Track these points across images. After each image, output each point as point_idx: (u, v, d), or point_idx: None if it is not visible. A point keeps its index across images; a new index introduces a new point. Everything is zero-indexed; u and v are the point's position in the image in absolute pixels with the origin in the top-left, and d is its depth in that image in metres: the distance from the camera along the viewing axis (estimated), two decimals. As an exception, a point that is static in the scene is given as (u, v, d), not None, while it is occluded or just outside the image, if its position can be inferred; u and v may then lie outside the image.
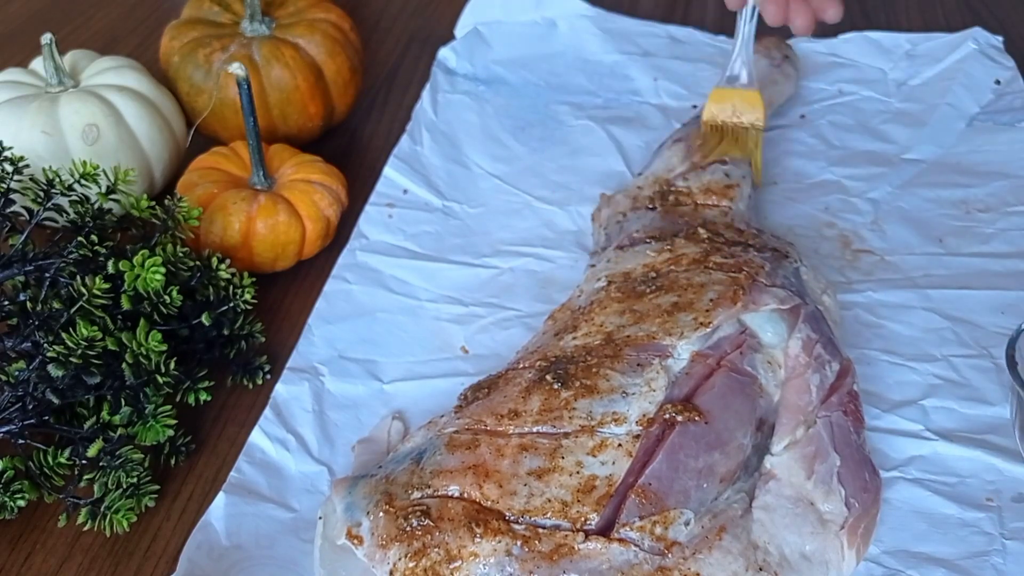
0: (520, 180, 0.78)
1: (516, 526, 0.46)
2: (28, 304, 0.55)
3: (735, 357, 0.53)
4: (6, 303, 0.56)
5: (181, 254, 0.60)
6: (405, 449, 0.52)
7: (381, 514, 0.47)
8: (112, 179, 0.62)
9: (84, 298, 0.54)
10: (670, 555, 0.45)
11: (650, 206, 0.68)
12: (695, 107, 0.84)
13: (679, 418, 0.49)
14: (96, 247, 0.58)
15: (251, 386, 0.63)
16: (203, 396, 0.59)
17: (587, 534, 0.45)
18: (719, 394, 0.51)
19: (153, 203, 0.62)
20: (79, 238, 0.58)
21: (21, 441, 0.53)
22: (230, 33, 0.76)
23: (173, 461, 0.58)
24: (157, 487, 0.55)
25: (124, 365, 0.54)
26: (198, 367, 0.60)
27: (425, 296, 0.68)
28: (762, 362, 0.53)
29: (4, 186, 0.60)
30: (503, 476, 0.47)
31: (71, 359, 0.53)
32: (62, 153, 0.67)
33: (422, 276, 0.69)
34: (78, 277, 0.55)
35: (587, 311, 0.58)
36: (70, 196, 0.60)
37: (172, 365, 0.56)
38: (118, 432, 0.54)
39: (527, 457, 0.48)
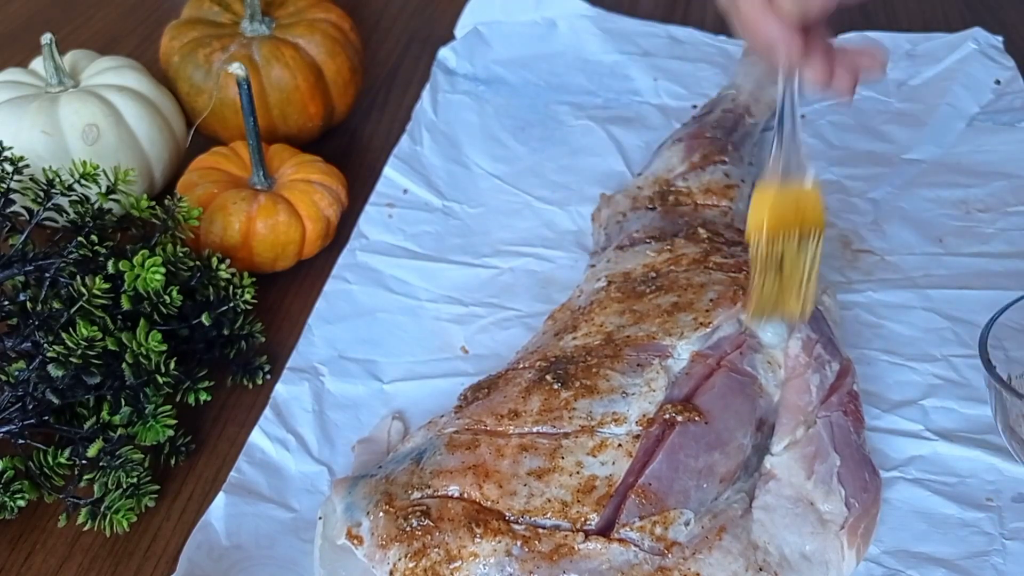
0: (520, 180, 0.78)
1: (516, 526, 0.46)
2: (28, 304, 0.55)
3: (735, 357, 0.53)
4: (6, 303, 0.56)
5: (181, 254, 0.60)
6: (405, 449, 0.52)
7: (381, 514, 0.47)
8: (112, 179, 0.62)
9: (84, 298, 0.54)
10: (670, 555, 0.45)
11: (650, 206, 0.68)
12: (695, 107, 0.84)
13: (679, 418, 0.49)
14: (96, 247, 0.58)
15: (251, 386, 0.63)
16: (203, 396, 0.59)
17: (587, 534, 0.45)
18: (719, 394, 0.51)
19: (153, 203, 0.62)
20: (79, 238, 0.58)
21: (21, 441, 0.53)
22: (230, 33, 0.76)
23: (173, 461, 0.58)
24: (157, 487, 0.55)
25: (124, 365, 0.54)
26: (198, 367, 0.60)
27: (425, 296, 0.68)
28: (762, 362, 0.53)
29: (4, 186, 0.60)
30: (503, 476, 0.47)
31: (71, 359, 0.53)
32: (62, 153, 0.67)
33: (422, 276, 0.69)
34: (78, 277, 0.55)
35: (587, 311, 0.58)
36: (70, 196, 0.60)
37: (172, 365, 0.56)
38: (118, 432, 0.54)
39: (527, 457, 0.48)
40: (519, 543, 0.45)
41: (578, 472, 0.47)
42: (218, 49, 0.75)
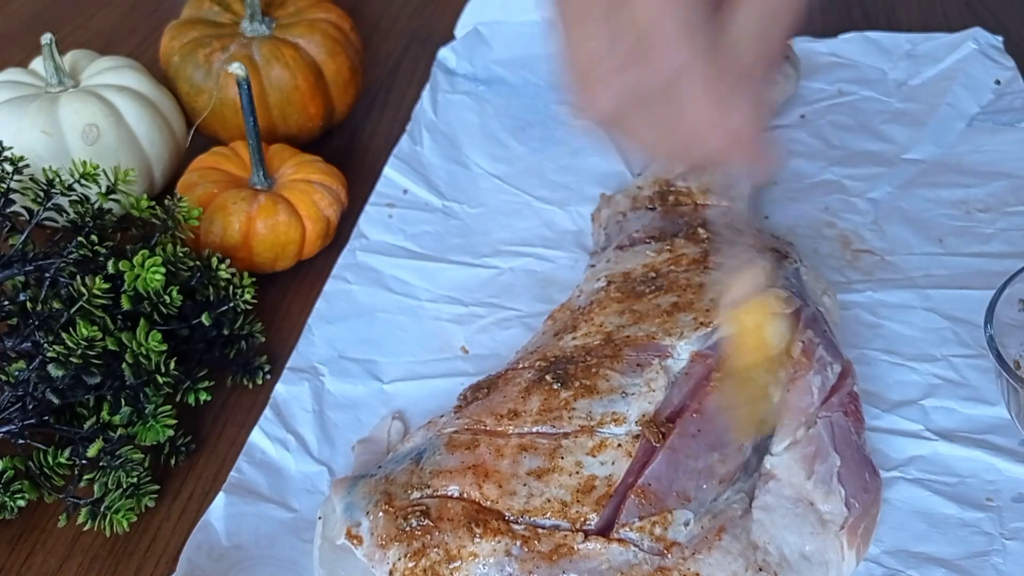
0: (520, 180, 0.78)
1: (516, 526, 0.46)
2: (28, 304, 0.55)
3: (735, 357, 0.53)
4: (6, 303, 0.56)
5: (181, 254, 0.60)
6: (405, 449, 0.52)
7: (381, 514, 0.47)
8: (112, 179, 0.62)
9: (84, 298, 0.54)
10: (670, 555, 0.45)
11: (650, 206, 0.68)
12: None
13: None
14: (96, 247, 0.58)
15: (251, 386, 0.63)
16: (203, 396, 0.59)
17: (587, 534, 0.45)
18: (719, 395, 0.51)
19: (153, 203, 0.62)
20: (79, 238, 0.58)
21: (21, 441, 0.53)
22: (230, 33, 0.76)
23: (173, 461, 0.58)
24: (157, 487, 0.55)
25: (124, 365, 0.54)
26: (198, 367, 0.60)
27: (425, 296, 0.68)
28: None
29: (4, 186, 0.60)
30: (503, 476, 0.47)
31: (71, 359, 0.53)
32: (62, 153, 0.67)
33: (422, 276, 0.69)
34: (78, 277, 0.55)
35: (587, 311, 0.58)
36: (70, 196, 0.60)
37: (172, 365, 0.56)
38: (118, 432, 0.54)
39: (527, 457, 0.48)
40: (519, 543, 0.45)
41: (578, 472, 0.47)
42: (218, 49, 0.75)
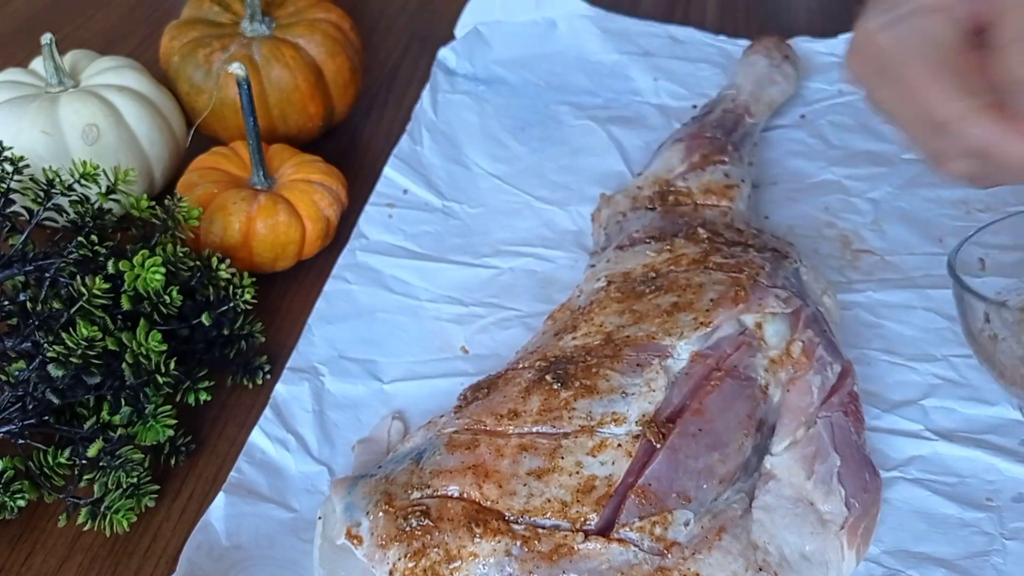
0: (520, 180, 0.78)
1: (516, 526, 0.46)
2: (28, 304, 0.55)
3: (735, 358, 0.53)
4: (6, 303, 0.56)
5: (181, 254, 0.60)
6: (405, 449, 0.52)
7: (381, 514, 0.47)
8: (112, 179, 0.62)
9: (84, 298, 0.54)
10: (670, 555, 0.45)
11: (650, 206, 0.68)
12: (695, 107, 0.84)
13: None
14: (96, 247, 0.58)
15: (251, 386, 0.63)
16: (203, 396, 0.59)
17: (587, 534, 0.45)
18: (719, 395, 0.51)
19: (153, 203, 0.62)
20: (79, 238, 0.58)
21: (21, 441, 0.53)
22: (230, 33, 0.76)
23: (173, 461, 0.58)
24: (157, 487, 0.55)
25: (124, 365, 0.54)
26: (198, 367, 0.60)
27: (425, 296, 0.68)
28: (762, 363, 0.53)
29: (4, 186, 0.60)
30: (503, 476, 0.47)
31: (71, 359, 0.53)
32: (62, 153, 0.67)
33: (422, 276, 0.69)
34: (78, 277, 0.55)
35: (587, 311, 0.58)
36: (70, 196, 0.60)
37: (172, 365, 0.56)
38: (118, 432, 0.54)
39: (527, 457, 0.48)
40: (519, 543, 0.45)
41: (578, 472, 0.47)
42: (218, 49, 0.75)
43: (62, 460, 0.53)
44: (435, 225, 0.74)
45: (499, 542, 0.45)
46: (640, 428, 0.49)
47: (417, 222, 0.74)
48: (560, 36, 0.93)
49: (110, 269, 0.57)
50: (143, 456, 0.55)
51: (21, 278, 0.57)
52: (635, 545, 0.45)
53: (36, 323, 0.55)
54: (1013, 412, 0.58)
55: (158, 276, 0.56)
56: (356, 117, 0.86)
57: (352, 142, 0.85)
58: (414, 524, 0.46)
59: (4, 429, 0.53)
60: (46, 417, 0.54)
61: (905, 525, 0.53)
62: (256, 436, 0.58)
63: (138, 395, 0.56)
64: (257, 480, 0.56)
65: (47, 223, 0.61)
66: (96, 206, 0.61)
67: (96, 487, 0.53)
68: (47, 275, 0.56)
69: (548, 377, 0.51)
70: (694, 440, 0.49)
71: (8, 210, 0.60)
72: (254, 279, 0.63)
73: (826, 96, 0.86)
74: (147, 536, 0.54)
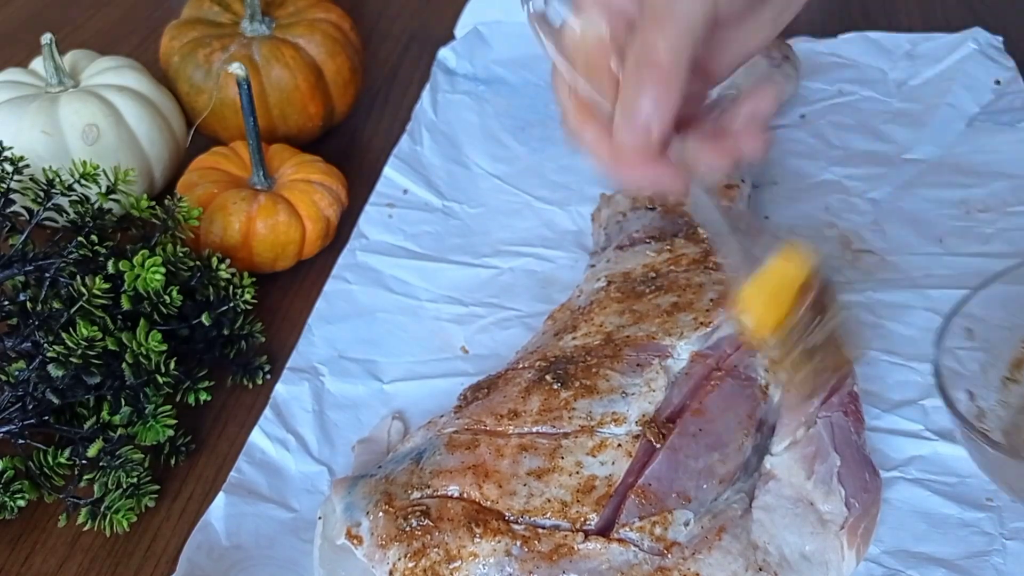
0: (520, 180, 0.78)
1: (516, 526, 0.46)
2: (28, 304, 0.55)
3: (735, 358, 0.53)
4: (6, 303, 0.56)
5: (181, 254, 0.60)
6: (405, 449, 0.52)
7: (381, 514, 0.47)
8: (112, 179, 0.62)
9: (84, 298, 0.54)
10: (670, 555, 0.45)
11: (650, 206, 0.68)
12: (695, 107, 0.84)
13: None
14: (96, 247, 0.58)
15: (251, 386, 0.63)
16: (203, 396, 0.59)
17: (587, 534, 0.45)
18: (719, 395, 0.51)
19: (153, 203, 0.62)
20: (79, 238, 0.58)
21: (21, 441, 0.53)
22: (230, 33, 0.76)
23: (173, 461, 0.58)
24: (157, 487, 0.55)
25: (124, 365, 0.54)
26: (198, 367, 0.60)
27: (425, 296, 0.68)
28: (762, 363, 0.53)
29: (4, 186, 0.60)
30: (503, 476, 0.47)
31: (71, 359, 0.53)
32: (62, 153, 0.67)
33: (422, 276, 0.69)
34: (78, 277, 0.55)
35: (587, 311, 0.58)
36: (70, 196, 0.60)
37: (172, 365, 0.56)
38: (118, 432, 0.54)
39: (527, 457, 0.48)
40: (519, 543, 0.45)
41: (578, 472, 0.47)
42: (218, 49, 0.75)
43: (62, 460, 0.53)
44: (435, 225, 0.74)
45: (499, 542, 0.45)
46: (640, 428, 0.49)
47: (417, 222, 0.74)
48: (560, 36, 0.93)
49: (110, 269, 0.57)
50: (143, 456, 0.55)
51: (21, 278, 0.57)
52: (635, 545, 0.45)
53: (36, 323, 0.55)
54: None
55: (158, 276, 0.56)
56: (356, 117, 0.86)
57: (352, 142, 0.85)
58: (414, 524, 0.46)
59: (4, 429, 0.53)
60: (46, 417, 0.54)
61: (905, 525, 0.53)
62: (256, 436, 0.58)
63: (138, 395, 0.56)
64: (257, 480, 0.56)
65: (47, 223, 0.61)
66: (96, 206, 0.61)
67: (96, 487, 0.53)
68: (47, 275, 0.56)
69: (548, 377, 0.51)
70: (694, 440, 0.49)
71: (8, 210, 0.60)
72: (254, 279, 0.63)
73: (826, 96, 0.86)
74: (147, 536, 0.54)
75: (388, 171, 0.78)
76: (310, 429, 0.59)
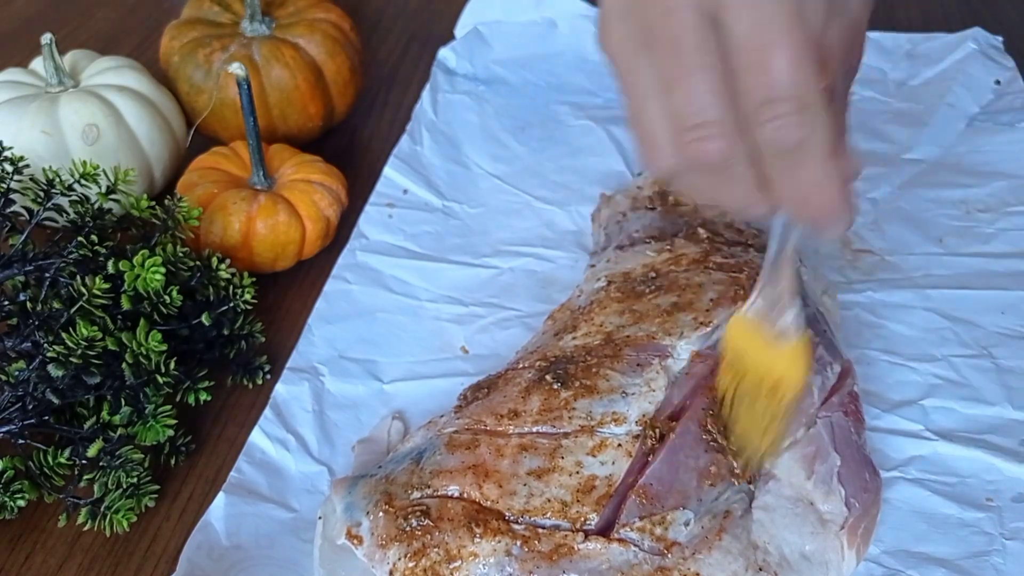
0: (520, 180, 0.78)
1: (516, 526, 0.46)
2: (28, 304, 0.55)
3: (735, 357, 0.53)
4: (6, 303, 0.56)
5: (181, 254, 0.60)
6: (405, 449, 0.52)
7: (381, 514, 0.47)
8: (112, 179, 0.62)
9: (84, 298, 0.54)
10: (670, 555, 0.45)
11: (650, 206, 0.68)
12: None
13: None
14: (96, 247, 0.58)
15: (251, 386, 0.63)
16: (203, 396, 0.59)
17: (587, 534, 0.45)
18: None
19: (153, 203, 0.62)
20: (79, 238, 0.58)
21: (21, 441, 0.53)
22: (230, 33, 0.76)
23: (173, 461, 0.58)
24: (157, 487, 0.55)
25: (124, 365, 0.54)
26: (198, 367, 0.60)
27: (425, 296, 0.68)
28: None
29: (4, 186, 0.60)
30: (503, 476, 0.47)
31: (71, 359, 0.53)
32: (62, 153, 0.67)
33: (422, 276, 0.69)
34: (78, 277, 0.55)
35: (587, 311, 0.58)
36: (70, 196, 0.60)
37: (172, 365, 0.56)
38: (118, 432, 0.54)
39: (527, 457, 0.48)
40: (519, 543, 0.45)
41: (578, 472, 0.47)
42: (218, 49, 0.75)
43: (62, 460, 0.53)
44: (435, 225, 0.74)
45: (499, 542, 0.45)
46: (640, 428, 0.49)
47: (417, 222, 0.74)
48: (560, 36, 0.93)
49: (110, 269, 0.57)
50: (143, 456, 0.55)
51: (21, 278, 0.57)
52: (635, 545, 0.45)
53: (36, 323, 0.55)
54: (1013, 412, 0.58)
55: (158, 276, 0.56)
56: (356, 117, 0.86)
57: (352, 142, 0.85)
58: (414, 524, 0.46)
59: (4, 429, 0.53)
60: (46, 417, 0.54)
61: (905, 525, 0.53)
62: (256, 436, 0.58)
63: (138, 395, 0.56)
64: (257, 480, 0.56)
65: (47, 223, 0.61)
66: (96, 206, 0.61)
67: (96, 487, 0.53)
68: (47, 275, 0.56)
69: (548, 377, 0.51)
70: (695, 440, 0.49)
71: (8, 210, 0.60)
72: (254, 279, 0.63)
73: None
74: (147, 536, 0.54)
75: (388, 171, 0.78)
76: (310, 429, 0.59)
